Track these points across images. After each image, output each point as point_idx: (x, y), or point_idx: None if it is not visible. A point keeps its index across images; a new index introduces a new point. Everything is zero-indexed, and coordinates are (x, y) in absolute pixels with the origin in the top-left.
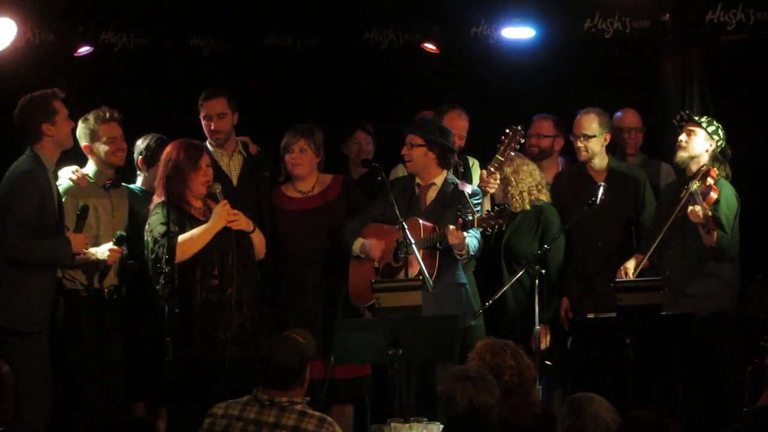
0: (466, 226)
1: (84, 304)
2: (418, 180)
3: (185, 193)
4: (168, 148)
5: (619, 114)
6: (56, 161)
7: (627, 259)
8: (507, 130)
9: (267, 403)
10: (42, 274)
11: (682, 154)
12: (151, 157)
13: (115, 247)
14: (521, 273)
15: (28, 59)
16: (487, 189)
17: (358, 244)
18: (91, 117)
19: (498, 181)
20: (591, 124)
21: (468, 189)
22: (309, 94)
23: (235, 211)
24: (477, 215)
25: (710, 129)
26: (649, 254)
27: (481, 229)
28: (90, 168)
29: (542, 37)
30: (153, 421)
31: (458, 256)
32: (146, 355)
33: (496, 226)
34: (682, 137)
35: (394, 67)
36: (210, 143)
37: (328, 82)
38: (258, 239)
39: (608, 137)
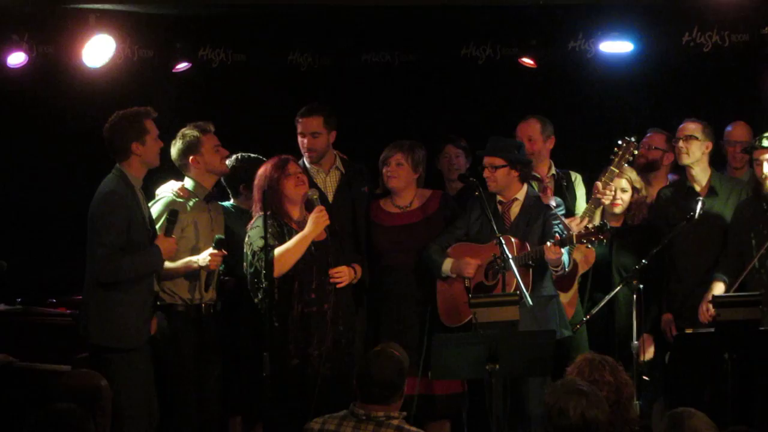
0: (564, 243)
1: (182, 318)
2: (499, 197)
3: (282, 203)
4: (262, 168)
5: (729, 128)
6: (143, 178)
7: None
8: (620, 142)
9: (364, 417)
10: (138, 290)
11: None
12: (233, 176)
13: (216, 251)
14: (619, 288)
15: (126, 75)
16: (602, 201)
17: (448, 264)
18: (191, 131)
19: (613, 192)
20: (694, 127)
21: (552, 202)
22: (406, 110)
23: (341, 269)
24: (570, 231)
25: None
26: (737, 285)
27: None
28: (188, 183)
29: (640, 51)
30: None
31: (553, 271)
32: (243, 369)
33: (596, 242)
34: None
35: (492, 82)
36: (305, 160)
37: (426, 98)
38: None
39: (710, 146)
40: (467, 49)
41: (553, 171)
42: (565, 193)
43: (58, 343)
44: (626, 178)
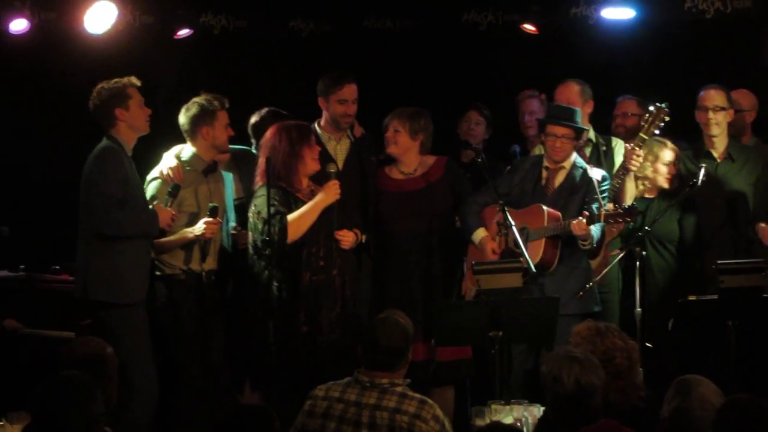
0: (592, 220)
1: (182, 286)
2: (546, 162)
3: (292, 174)
4: (269, 133)
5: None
6: (133, 146)
7: (728, 241)
8: (651, 108)
9: (368, 384)
10: (138, 244)
11: None
12: (259, 127)
13: (210, 219)
14: (622, 255)
15: (128, 42)
16: (630, 166)
17: (479, 236)
18: (214, 101)
19: (641, 158)
20: (723, 97)
21: (597, 175)
22: (407, 77)
23: (345, 233)
24: (603, 208)
25: None
26: None
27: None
28: (188, 152)
29: (642, 18)
30: (269, 410)
31: (582, 246)
32: (249, 336)
33: (623, 223)
34: None
35: (493, 49)
36: (319, 125)
37: (427, 65)
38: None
39: (732, 113)
40: (468, 15)
41: (591, 136)
42: (602, 160)
43: (61, 310)
44: (671, 149)
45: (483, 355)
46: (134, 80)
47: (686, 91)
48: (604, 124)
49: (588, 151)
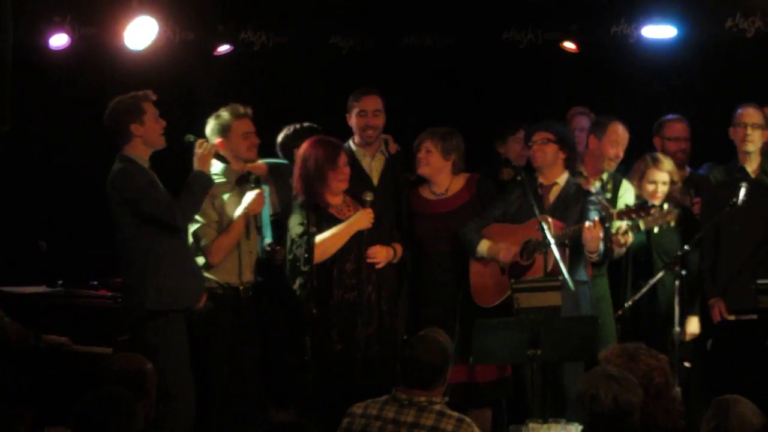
0: (604, 220)
1: (220, 301)
2: (540, 179)
3: (323, 191)
4: (304, 146)
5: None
6: (148, 159)
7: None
8: (665, 205)
9: (406, 402)
10: (184, 253)
11: None
12: (284, 144)
13: (255, 191)
14: (661, 275)
15: (168, 58)
16: (615, 247)
17: (484, 246)
18: (224, 113)
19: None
20: (760, 115)
21: (592, 188)
22: (446, 95)
23: (377, 249)
24: (612, 209)
25: None
26: None
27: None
28: (217, 167)
29: (683, 37)
30: (308, 425)
31: (589, 256)
32: (285, 354)
33: (639, 220)
34: None
35: (533, 67)
36: (354, 142)
37: (466, 83)
38: (398, 250)
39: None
40: (508, 33)
41: (604, 175)
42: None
43: (99, 326)
44: (666, 171)
45: (518, 374)
46: (150, 94)
47: (721, 109)
48: (645, 143)
49: (597, 185)
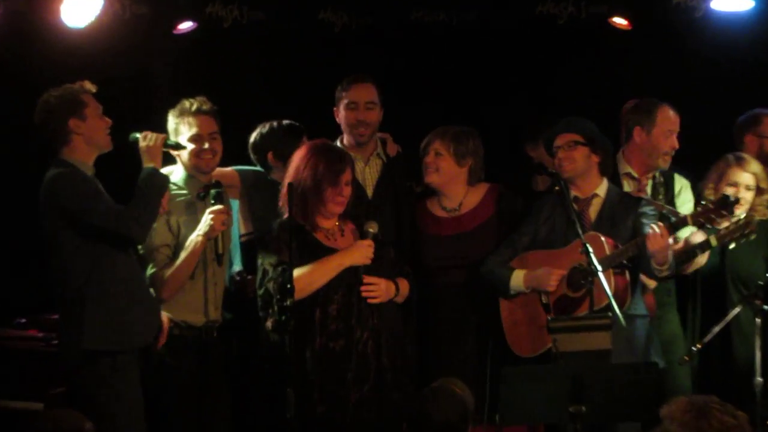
0: (676, 226)
1: (179, 343)
2: (575, 193)
3: (315, 211)
4: (302, 151)
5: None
6: (92, 165)
7: None
8: (743, 215)
9: None
10: (135, 285)
11: None
12: (258, 146)
13: (216, 208)
14: (738, 310)
15: (116, 37)
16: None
17: (519, 278)
18: (175, 109)
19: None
20: None
21: (644, 193)
22: (463, 83)
23: (376, 281)
24: (688, 213)
25: None
26: None
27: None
28: (179, 174)
29: (762, 8)
30: None
31: (657, 271)
32: (260, 410)
33: (716, 229)
34: None
35: (574, 47)
36: (342, 142)
37: (490, 67)
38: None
39: None
40: (544, 6)
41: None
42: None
43: (28, 375)
44: (750, 173)
45: None
46: (88, 85)
47: None
48: (716, 142)
49: (648, 188)
